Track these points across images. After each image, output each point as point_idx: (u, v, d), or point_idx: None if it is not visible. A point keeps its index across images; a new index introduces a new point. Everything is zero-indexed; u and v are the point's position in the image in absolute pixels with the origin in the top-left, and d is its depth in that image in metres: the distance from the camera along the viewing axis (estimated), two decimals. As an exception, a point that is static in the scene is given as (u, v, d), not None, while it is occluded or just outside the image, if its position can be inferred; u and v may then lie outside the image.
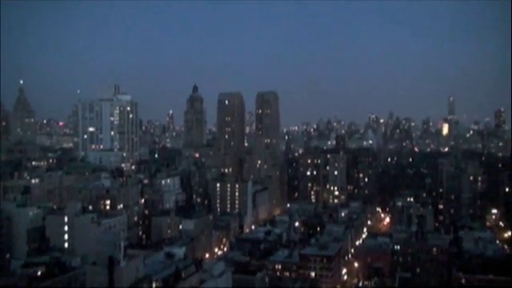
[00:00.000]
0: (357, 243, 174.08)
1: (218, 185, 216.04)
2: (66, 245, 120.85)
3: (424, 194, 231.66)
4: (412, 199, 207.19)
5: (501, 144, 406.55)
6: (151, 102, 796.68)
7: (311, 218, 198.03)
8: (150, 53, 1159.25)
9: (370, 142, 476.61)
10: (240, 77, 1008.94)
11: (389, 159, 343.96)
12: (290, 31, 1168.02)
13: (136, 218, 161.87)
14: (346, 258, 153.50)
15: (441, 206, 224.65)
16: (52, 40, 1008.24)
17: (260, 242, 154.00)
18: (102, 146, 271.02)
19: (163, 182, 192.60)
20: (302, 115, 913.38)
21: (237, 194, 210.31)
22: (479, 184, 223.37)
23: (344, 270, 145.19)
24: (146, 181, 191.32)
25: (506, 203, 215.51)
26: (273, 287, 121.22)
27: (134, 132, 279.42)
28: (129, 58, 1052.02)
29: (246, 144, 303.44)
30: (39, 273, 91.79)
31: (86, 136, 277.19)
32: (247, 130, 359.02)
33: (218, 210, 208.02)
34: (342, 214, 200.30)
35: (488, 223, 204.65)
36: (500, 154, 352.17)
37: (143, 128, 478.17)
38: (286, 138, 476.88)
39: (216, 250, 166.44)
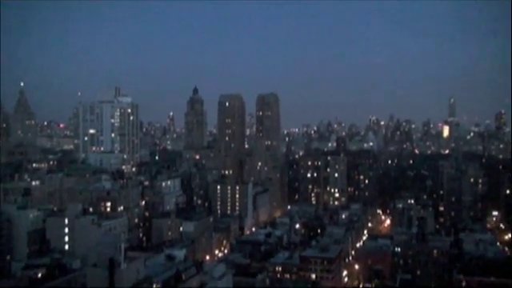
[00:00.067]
0: (357, 245, 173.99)
1: (218, 187, 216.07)
2: (67, 247, 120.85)
3: (424, 196, 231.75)
4: (412, 201, 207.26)
5: (501, 146, 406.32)
6: (152, 104, 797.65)
7: (312, 220, 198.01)
8: (150, 54, 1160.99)
9: (371, 144, 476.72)
10: (240, 79, 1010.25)
11: (389, 161, 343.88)
12: (291, 33, 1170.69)
13: (136, 220, 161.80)
14: (347, 260, 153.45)
15: (441, 208, 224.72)
16: (52, 42, 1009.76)
17: (260, 244, 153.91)
18: (102, 148, 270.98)
19: (164, 183, 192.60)
20: (302, 117, 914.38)
21: (237, 195, 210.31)
22: (480, 186, 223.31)
23: (344, 272, 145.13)
24: (146, 183, 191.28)
25: (506, 205, 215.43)
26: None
27: (135, 134, 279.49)
28: (129, 60, 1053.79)
29: (246, 146, 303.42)
30: (40, 275, 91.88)
31: (86, 138, 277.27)
32: (248, 131, 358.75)
33: (219, 212, 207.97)
34: (343, 216, 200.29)
35: (489, 225, 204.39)
36: (500, 156, 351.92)
37: (144, 130, 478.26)
38: (287, 139, 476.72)
39: (216, 252, 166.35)
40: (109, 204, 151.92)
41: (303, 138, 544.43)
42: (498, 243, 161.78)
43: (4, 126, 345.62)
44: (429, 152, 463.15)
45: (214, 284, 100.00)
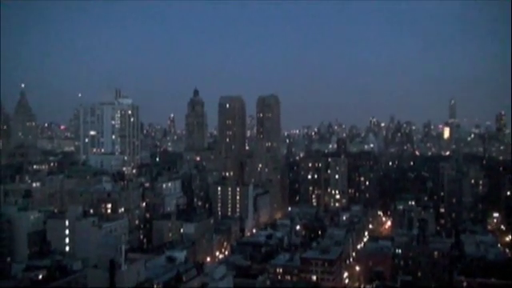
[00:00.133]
0: (358, 247, 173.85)
1: (219, 188, 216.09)
2: (67, 248, 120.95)
3: (425, 198, 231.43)
4: (413, 203, 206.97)
5: (502, 147, 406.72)
6: (152, 106, 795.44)
7: (312, 221, 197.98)
8: (150, 56, 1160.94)
9: (371, 145, 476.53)
10: (241, 80, 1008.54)
11: (390, 163, 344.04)
12: (291, 34, 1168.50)
13: (137, 222, 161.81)
14: (348, 261, 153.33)
15: (442, 210, 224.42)
16: (53, 42, 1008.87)
17: (261, 246, 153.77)
18: (103, 150, 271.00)
19: (164, 185, 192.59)
20: (303, 119, 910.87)
21: (238, 197, 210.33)
22: (480, 187, 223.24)
23: (345, 274, 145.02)
24: (147, 184, 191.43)
25: (507, 207, 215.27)
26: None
27: (135, 135, 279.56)
28: (130, 61, 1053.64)
29: (247, 147, 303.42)
30: (40, 276, 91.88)
31: (87, 140, 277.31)
32: (248, 133, 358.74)
33: (219, 213, 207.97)
34: (344, 218, 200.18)
35: (489, 227, 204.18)
36: (501, 158, 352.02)
37: (144, 131, 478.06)
38: (287, 141, 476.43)
39: (217, 253, 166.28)
40: (109, 206, 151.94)
41: (304, 139, 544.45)
42: (499, 245, 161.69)
43: (4, 127, 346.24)
44: (429, 153, 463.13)
45: (215, 285, 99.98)
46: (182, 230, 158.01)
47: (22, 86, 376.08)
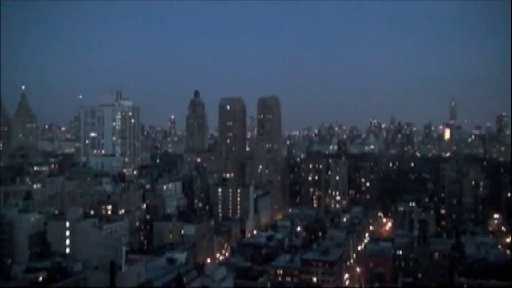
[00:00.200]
0: (359, 248, 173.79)
1: (219, 190, 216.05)
2: (68, 250, 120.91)
3: (426, 199, 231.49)
4: (414, 204, 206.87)
5: (502, 149, 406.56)
6: (153, 107, 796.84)
7: (313, 223, 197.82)
8: (151, 57, 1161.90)
9: (372, 146, 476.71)
10: (241, 81, 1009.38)
11: (390, 164, 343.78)
12: (291, 35, 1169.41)
13: (138, 223, 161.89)
14: (348, 263, 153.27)
15: (443, 211, 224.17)
16: (53, 43, 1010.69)
17: (262, 247, 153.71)
18: (103, 152, 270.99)
19: (165, 187, 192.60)
20: (303, 120, 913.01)
21: (238, 198, 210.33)
22: (481, 189, 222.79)
23: (346, 275, 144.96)
24: (147, 186, 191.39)
25: (507, 208, 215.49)
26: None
27: (136, 137, 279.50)
28: (130, 63, 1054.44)
29: (247, 149, 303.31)
30: (41, 278, 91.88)
31: (87, 141, 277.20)
32: (249, 134, 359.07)
33: (220, 214, 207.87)
34: (344, 219, 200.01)
35: (490, 228, 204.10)
36: (502, 159, 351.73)
37: (145, 133, 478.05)
38: (288, 142, 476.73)
39: (217, 255, 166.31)
40: (110, 207, 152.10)
41: (304, 140, 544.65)
42: (500, 246, 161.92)
43: (5, 129, 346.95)
44: (430, 155, 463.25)
45: (216, 287, 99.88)
46: (182, 232, 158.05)
47: (23, 87, 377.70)
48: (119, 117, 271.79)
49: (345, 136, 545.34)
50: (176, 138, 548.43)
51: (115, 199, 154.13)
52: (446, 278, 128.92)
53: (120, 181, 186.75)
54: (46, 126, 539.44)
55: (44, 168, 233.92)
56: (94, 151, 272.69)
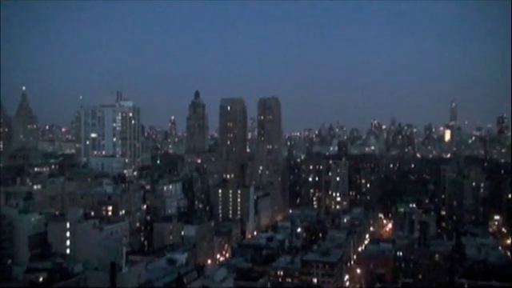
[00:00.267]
0: (359, 249, 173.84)
1: (219, 191, 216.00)
2: (68, 251, 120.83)
3: (426, 200, 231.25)
4: (414, 205, 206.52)
5: (503, 150, 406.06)
6: (153, 108, 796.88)
7: (313, 223, 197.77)
8: (151, 57, 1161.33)
9: (372, 148, 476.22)
10: (242, 82, 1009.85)
11: (391, 165, 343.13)
12: (291, 35, 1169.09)
13: (138, 224, 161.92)
14: (349, 264, 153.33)
15: (443, 212, 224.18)
16: (53, 43, 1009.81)
17: (262, 248, 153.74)
18: (104, 152, 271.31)
19: (165, 187, 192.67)
20: (304, 121, 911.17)
21: (239, 199, 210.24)
22: (481, 190, 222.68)
23: (346, 277, 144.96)
24: (148, 187, 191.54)
25: (508, 209, 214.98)
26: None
27: (136, 138, 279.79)
28: (130, 63, 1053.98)
29: (247, 150, 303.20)
30: (41, 279, 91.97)
31: (88, 142, 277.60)
32: (249, 135, 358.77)
33: (220, 215, 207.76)
34: (345, 220, 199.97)
35: (490, 229, 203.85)
36: (502, 160, 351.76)
37: (145, 134, 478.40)
38: (288, 143, 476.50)
39: (218, 256, 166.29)
40: (110, 208, 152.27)
41: (305, 141, 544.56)
42: (500, 247, 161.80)
43: (6, 129, 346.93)
44: (430, 156, 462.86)
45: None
46: (182, 233, 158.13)
47: (23, 88, 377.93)
48: (120, 117, 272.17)
49: (345, 137, 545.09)
50: (176, 139, 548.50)
51: (115, 200, 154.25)
52: (446, 280, 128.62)
53: (120, 182, 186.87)
54: (47, 127, 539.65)
55: (44, 169, 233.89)
56: (95, 152, 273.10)
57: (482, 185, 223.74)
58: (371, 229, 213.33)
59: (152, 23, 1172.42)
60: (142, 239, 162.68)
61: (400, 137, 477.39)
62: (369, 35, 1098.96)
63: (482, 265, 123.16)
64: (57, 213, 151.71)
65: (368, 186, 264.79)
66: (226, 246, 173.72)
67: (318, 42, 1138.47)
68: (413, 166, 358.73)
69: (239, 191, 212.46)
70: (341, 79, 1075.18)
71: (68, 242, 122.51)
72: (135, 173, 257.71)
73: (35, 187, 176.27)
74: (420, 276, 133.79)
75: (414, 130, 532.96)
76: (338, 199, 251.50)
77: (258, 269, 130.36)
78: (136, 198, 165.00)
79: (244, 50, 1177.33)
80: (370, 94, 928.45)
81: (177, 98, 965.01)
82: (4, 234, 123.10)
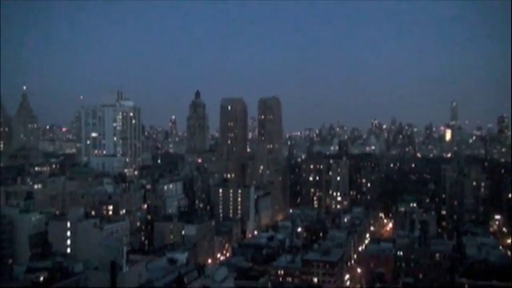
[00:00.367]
0: (359, 249, 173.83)
1: (220, 190, 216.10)
2: (69, 250, 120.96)
3: (427, 200, 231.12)
4: (415, 205, 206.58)
5: (503, 150, 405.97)
6: (154, 108, 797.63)
7: (314, 223, 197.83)
8: (151, 57, 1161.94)
9: (373, 147, 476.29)
10: (242, 82, 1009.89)
11: (391, 165, 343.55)
12: (291, 35, 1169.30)
13: (138, 224, 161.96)
14: (349, 263, 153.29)
15: (444, 212, 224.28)
16: (54, 43, 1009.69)
17: (262, 248, 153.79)
18: (104, 152, 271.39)
19: (166, 187, 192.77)
20: (304, 121, 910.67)
21: (239, 199, 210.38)
22: (482, 190, 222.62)
23: (347, 276, 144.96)
24: (148, 186, 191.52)
25: (509, 209, 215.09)
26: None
27: (137, 137, 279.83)
28: (131, 63, 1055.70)
29: (248, 149, 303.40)
30: (42, 278, 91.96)
31: (88, 141, 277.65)
32: (250, 135, 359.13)
33: (221, 215, 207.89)
34: (345, 220, 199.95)
35: (491, 229, 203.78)
36: (503, 160, 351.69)
37: (146, 133, 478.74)
38: (289, 143, 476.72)
39: (218, 255, 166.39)
40: (111, 207, 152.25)
41: (305, 141, 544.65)
42: (501, 247, 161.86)
43: (6, 129, 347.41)
44: (431, 156, 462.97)
45: (216, 287, 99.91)
46: (183, 232, 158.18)
47: (24, 88, 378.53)
48: (120, 117, 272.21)
49: (346, 136, 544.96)
50: (177, 139, 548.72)
51: (116, 199, 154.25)
52: (446, 279, 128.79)
53: (121, 181, 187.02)
54: (47, 127, 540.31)
55: (45, 168, 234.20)
56: (95, 151, 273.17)
57: (483, 184, 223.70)
58: (372, 228, 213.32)
59: (152, 23, 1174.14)
60: (143, 239, 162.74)
61: (400, 136, 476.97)
62: (369, 35, 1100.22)
63: (482, 264, 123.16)
64: (57, 212, 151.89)
65: (368, 185, 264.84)
66: (227, 245, 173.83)
67: (319, 41, 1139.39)
68: (413, 165, 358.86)
69: (240, 191, 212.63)
70: (341, 79, 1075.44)
71: (68, 242, 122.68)
72: (136, 172, 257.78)
73: (36, 187, 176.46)
74: (420, 275, 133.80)
75: (415, 130, 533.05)
76: (339, 199, 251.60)
77: (258, 268, 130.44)
78: (136, 198, 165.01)
79: (244, 49, 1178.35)
80: (370, 93, 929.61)
81: (177, 97, 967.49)
82: (4, 233, 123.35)
